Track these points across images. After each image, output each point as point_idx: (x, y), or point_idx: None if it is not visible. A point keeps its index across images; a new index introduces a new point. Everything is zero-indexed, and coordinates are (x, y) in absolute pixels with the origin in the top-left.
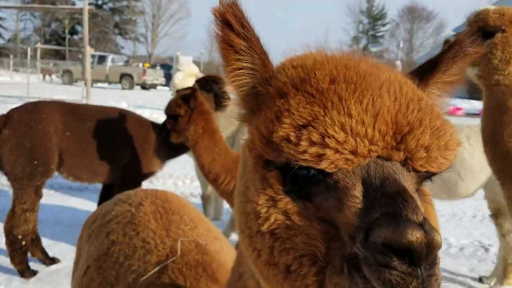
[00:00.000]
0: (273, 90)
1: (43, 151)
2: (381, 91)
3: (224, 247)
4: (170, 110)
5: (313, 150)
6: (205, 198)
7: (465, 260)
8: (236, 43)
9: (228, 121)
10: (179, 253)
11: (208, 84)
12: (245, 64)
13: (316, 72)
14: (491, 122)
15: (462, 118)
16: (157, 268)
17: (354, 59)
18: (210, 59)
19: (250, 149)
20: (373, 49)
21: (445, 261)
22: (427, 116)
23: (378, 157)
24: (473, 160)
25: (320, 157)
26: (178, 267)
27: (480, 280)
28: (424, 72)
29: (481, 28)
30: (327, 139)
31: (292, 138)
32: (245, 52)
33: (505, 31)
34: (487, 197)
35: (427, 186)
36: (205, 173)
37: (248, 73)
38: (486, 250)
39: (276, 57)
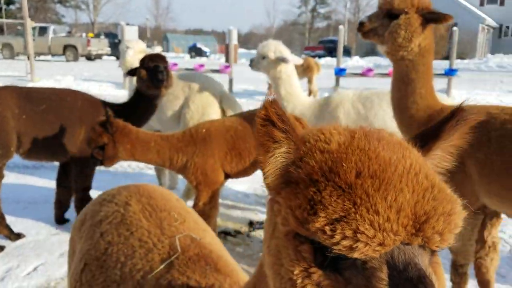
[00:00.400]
0: (303, 173)
1: (3, 135)
2: (401, 185)
3: (214, 238)
4: (94, 143)
5: (346, 243)
6: (158, 169)
7: None
8: (276, 135)
9: (172, 96)
10: (179, 250)
11: (145, 62)
12: (282, 149)
13: (343, 163)
14: (398, 91)
15: (373, 79)
16: (163, 264)
17: (373, 144)
18: (156, 24)
19: (283, 224)
20: (321, 10)
21: None
22: (440, 204)
23: (401, 242)
24: (393, 124)
25: (352, 248)
26: (183, 262)
27: None
28: (427, 139)
29: (389, 10)
30: (358, 235)
31: (327, 231)
32: (283, 141)
33: (408, 13)
34: None
35: None
36: (160, 165)
37: (283, 155)
38: None
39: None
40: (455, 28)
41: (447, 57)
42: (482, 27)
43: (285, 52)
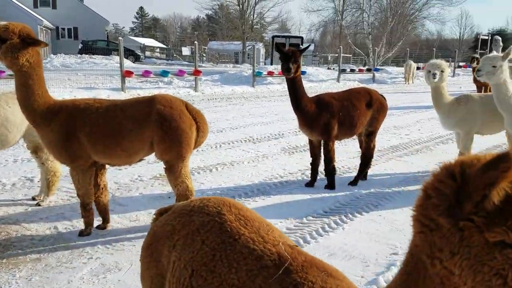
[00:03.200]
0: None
1: None
2: None
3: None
4: None
5: None
6: None
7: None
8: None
9: None
10: (289, 257)
11: None
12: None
13: None
14: (21, 93)
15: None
16: (282, 269)
17: None
18: None
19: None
20: None
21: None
22: None
23: None
24: (15, 117)
25: None
26: (299, 268)
27: (33, 199)
28: None
29: None
30: None
31: None
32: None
33: (12, 39)
34: (27, 139)
35: None
36: None
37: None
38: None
39: None
40: None
41: None
42: (40, 28)
43: None
